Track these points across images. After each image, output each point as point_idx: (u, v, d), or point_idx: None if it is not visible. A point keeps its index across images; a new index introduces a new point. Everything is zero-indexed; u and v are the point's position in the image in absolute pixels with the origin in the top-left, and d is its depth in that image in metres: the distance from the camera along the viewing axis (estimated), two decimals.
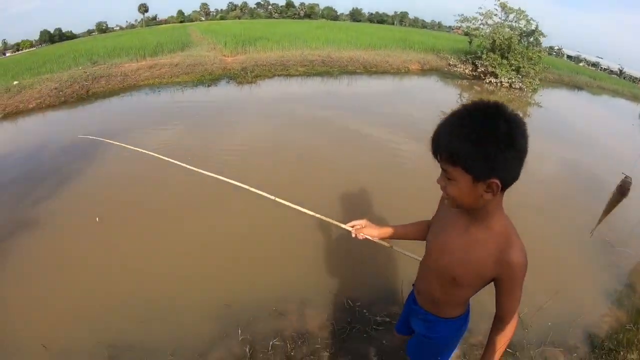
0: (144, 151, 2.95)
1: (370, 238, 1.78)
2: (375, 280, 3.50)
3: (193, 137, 6.75)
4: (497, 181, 1.09)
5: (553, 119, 12.83)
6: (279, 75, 11.88)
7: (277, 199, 2.03)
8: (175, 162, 2.60)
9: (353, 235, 1.79)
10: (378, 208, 4.67)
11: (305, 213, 1.97)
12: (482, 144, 1.04)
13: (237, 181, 2.19)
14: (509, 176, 1.11)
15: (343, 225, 1.81)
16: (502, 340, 1.40)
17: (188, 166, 2.54)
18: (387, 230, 1.77)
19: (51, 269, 3.56)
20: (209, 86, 10.33)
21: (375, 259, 3.76)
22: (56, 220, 4.31)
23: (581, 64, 49.17)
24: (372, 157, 6.40)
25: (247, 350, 2.77)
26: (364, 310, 3.17)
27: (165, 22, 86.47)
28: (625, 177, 5.30)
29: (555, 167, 7.93)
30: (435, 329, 1.66)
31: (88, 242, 3.94)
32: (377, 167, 5.97)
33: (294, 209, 1.98)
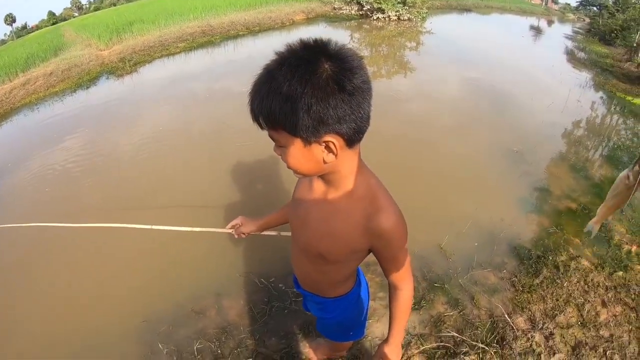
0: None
1: (253, 233, 1.75)
2: (283, 253, 3.34)
3: (94, 141, 6.10)
4: (333, 139, 0.89)
5: (446, 43, 13.22)
6: (159, 58, 11.06)
7: (153, 227, 2.00)
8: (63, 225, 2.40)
9: (236, 236, 1.76)
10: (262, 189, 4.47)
11: (188, 231, 2.03)
12: (299, 96, 0.81)
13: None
14: (349, 127, 0.89)
15: (223, 230, 1.77)
16: (402, 309, 1.29)
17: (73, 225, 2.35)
18: (265, 221, 1.71)
19: None
20: (87, 88, 9.37)
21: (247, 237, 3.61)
22: None
23: None
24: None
25: None
26: (280, 285, 3.08)
27: (37, 27, 77.87)
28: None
29: (458, 87, 8.18)
30: (327, 309, 1.55)
31: None
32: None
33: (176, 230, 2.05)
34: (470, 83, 8.51)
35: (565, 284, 3.22)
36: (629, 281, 3.48)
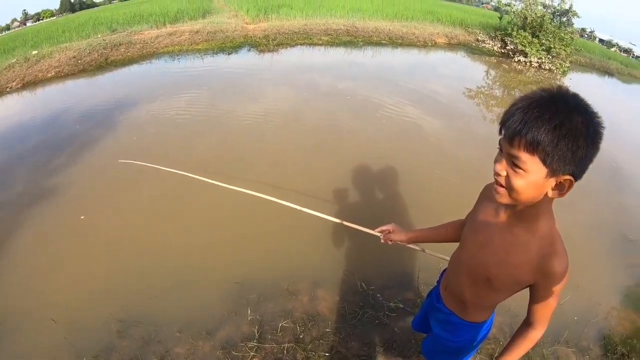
0: (173, 171, 2.80)
1: (399, 243, 1.76)
2: (391, 265, 3.37)
3: (215, 102, 6.65)
4: (572, 178, 0.99)
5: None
6: (301, 44, 11.61)
7: (303, 209, 2.03)
8: (195, 176, 2.57)
9: (382, 241, 1.77)
10: (404, 200, 4.41)
11: (331, 220, 1.98)
12: (572, 137, 0.93)
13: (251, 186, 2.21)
14: (581, 175, 1.01)
15: (371, 231, 1.80)
16: (525, 346, 1.34)
17: (206, 179, 2.50)
18: (416, 235, 1.73)
19: (64, 240, 3.55)
20: (229, 54, 10.16)
21: (393, 245, 3.64)
22: (72, 191, 4.28)
23: (613, 49, 47.28)
24: (397, 138, 6.13)
25: (256, 330, 2.72)
26: (378, 295, 3.07)
27: None
28: None
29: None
30: (458, 332, 1.57)
31: (102, 214, 3.90)
32: (403, 152, 5.68)
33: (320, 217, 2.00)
34: (599, 155, 7.79)
35: None
36: None
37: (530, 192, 1.04)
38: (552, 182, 1.01)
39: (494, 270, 1.26)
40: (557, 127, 0.93)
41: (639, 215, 5.73)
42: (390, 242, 1.77)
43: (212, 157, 4.86)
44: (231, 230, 3.66)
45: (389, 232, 1.76)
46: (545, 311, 1.26)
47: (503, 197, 1.10)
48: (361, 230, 1.88)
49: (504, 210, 1.23)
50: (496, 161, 1.08)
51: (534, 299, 1.25)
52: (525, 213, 1.14)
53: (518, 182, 1.03)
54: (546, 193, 1.04)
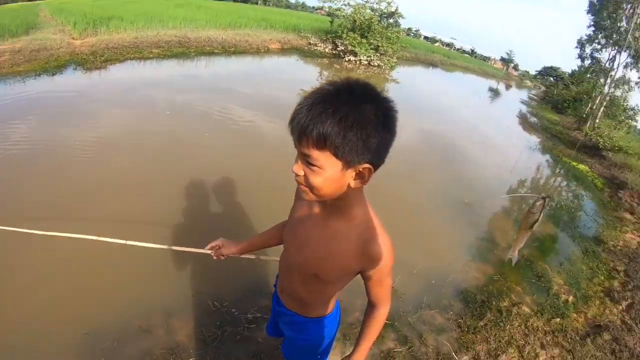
0: None
1: (232, 256, 1.74)
2: (240, 276, 3.32)
3: (41, 133, 5.63)
4: (370, 166, 1.01)
5: (409, 93, 13.80)
6: (131, 59, 10.87)
7: (128, 242, 1.88)
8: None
9: (215, 258, 1.73)
10: (246, 207, 4.35)
11: (162, 248, 1.93)
12: (359, 127, 0.94)
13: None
14: (380, 161, 1.04)
15: (201, 250, 1.75)
16: (376, 327, 1.40)
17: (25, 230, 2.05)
18: (247, 244, 1.72)
19: None
20: (54, 75, 9.00)
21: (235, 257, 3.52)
22: None
23: (437, 44, 54.70)
24: (235, 144, 6.17)
25: None
26: (233, 310, 3.00)
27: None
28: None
29: (415, 137, 8.54)
30: (305, 330, 1.59)
31: None
32: (240, 156, 5.75)
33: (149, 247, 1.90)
34: (427, 135, 8.96)
35: (507, 327, 3.42)
36: (565, 327, 3.79)
37: (331, 187, 1.04)
38: (352, 172, 1.02)
39: (320, 266, 1.26)
40: (342, 119, 0.92)
41: (471, 181, 6.61)
42: (222, 257, 1.73)
43: (45, 199, 4.09)
44: (69, 280, 3.17)
45: (219, 248, 1.72)
46: (382, 291, 1.31)
47: (308, 195, 1.09)
48: (187, 252, 1.83)
49: (316, 206, 1.25)
50: (295, 162, 1.06)
51: (369, 283, 1.28)
52: (336, 205, 1.15)
53: (316, 179, 1.02)
54: (349, 184, 1.04)
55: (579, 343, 3.66)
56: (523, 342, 3.32)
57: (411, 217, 5.01)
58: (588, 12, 20.03)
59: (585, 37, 20.93)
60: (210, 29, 15.58)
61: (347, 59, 15.44)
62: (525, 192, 7.47)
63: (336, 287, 1.39)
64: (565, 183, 9.95)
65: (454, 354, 3.01)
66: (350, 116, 0.92)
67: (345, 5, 16.41)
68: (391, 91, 13.13)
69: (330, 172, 1.00)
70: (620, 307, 4.68)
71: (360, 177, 1.03)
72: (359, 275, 1.30)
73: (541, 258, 5.05)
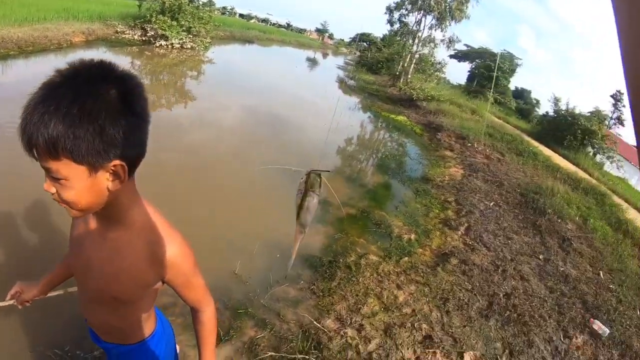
0: None
1: (38, 299, 1.48)
2: (71, 315, 2.75)
3: None
4: (122, 162, 0.83)
5: (228, 72, 13.62)
6: None
7: None
8: None
9: (20, 307, 1.45)
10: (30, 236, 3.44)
11: None
12: (89, 119, 0.76)
13: None
14: (134, 151, 0.86)
15: (3, 304, 1.44)
16: (209, 332, 1.26)
17: None
18: (47, 281, 1.47)
19: None
20: None
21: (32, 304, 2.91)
22: None
23: (252, 21, 55.28)
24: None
25: None
26: (78, 352, 2.53)
27: None
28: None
29: (239, 113, 8.39)
30: (135, 358, 1.36)
31: None
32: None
33: None
34: (250, 109, 8.85)
35: (360, 280, 3.51)
36: (415, 263, 4.09)
37: (88, 197, 0.86)
38: (104, 174, 0.84)
39: (113, 287, 1.06)
40: (67, 115, 0.74)
41: (297, 149, 6.65)
42: (27, 304, 1.46)
43: None
44: None
45: (20, 294, 1.44)
46: (195, 293, 1.16)
47: (71, 213, 0.89)
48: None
49: (92, 221, 1.05)
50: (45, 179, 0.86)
51: (177, 290, 1.13)
52: (108, 215, 0.97)
53: (67, 194, 0.83)
54: (107, 188, 0.86)
55: (431, 274, 3.99)
56: (379, 289, 3.45)
57: (243, 193, 4.81)
58: None
59: (394, 4, 23.42)
60: (4, 27, 13.17)
61: (158, 44, 14.45)
62: (354, 148, 7.89)
63: (146, 304, 1.20)
64: (387, 134, 10.86)
65: (315, 322, 2.97)
66: (75, 108, 0.74)
67: None
68: (208, 72, 12.69)
69: (78, 182, 0.82)
70: (460, 232, 5.26)
71: (116, 176, 0.85)
72: None
73: (377, 207, 5.38)
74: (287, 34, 46.37)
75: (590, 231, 6.84)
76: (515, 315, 3.81)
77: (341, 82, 18.94)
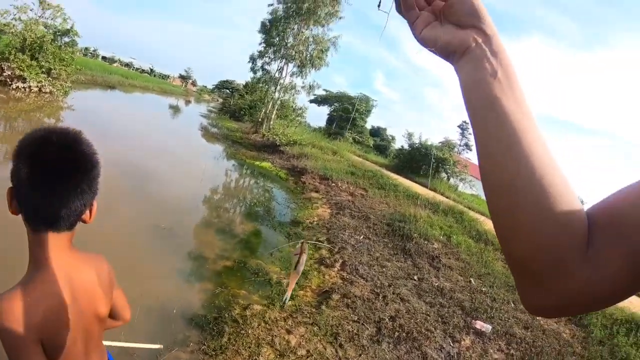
0: None
1: None
2: None
3: None
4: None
5: (88, 120, 12.65)
6: None
7: None
8: None
9: None
10: None
11: None
12: None
13: None
14: (28, 209, 0.90)
15: None
16: None
17: None
18: None
19: None
20: None
21: None
22: None
23: (115, 64, 52.37)
24: None
25: None
26: None
27: None
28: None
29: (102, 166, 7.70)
30: None
31: None
32: None
33: None
34: (111, 161, 8.18)
35: (250, 331, 3.30)
36: (299, 306, 3.99)
37: None
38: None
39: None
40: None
41: (164, 203, 6.30)
42: None
43: None
44: None
45: None
46: (123, 301, 1.21)
47: None
48: None
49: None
50: None
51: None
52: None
53: None
54: None
55: (317, 313, 3.93)
56: (270, 337, 3.28)
57: (113, 257, 4.34)
58: (260, 32, 23.44)
59: (257, 53, 24.01)
60: None
61: (14, 86, 12.77)
62: (221, 197, 7.73)
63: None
64: (254, 181, 10.89)
65: None
66: None
67: (15, 20, 13.46)
68: (67, 120, 11.50)
69: None
70: (336, 268, 5.34)
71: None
72: None
73: (251, 255, 5.22)
74: (150, 80, 44.74)
75: (455, 246, 7.55)
76: (404, 334, 3.95)
77: (205, 130, 18.67)
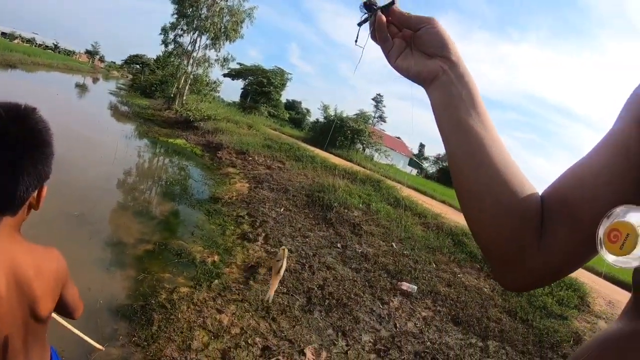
0: None
1: None
2: None
3: None
4: None
5: None
6: None
7: None
8: None
9: None
10: None
11: None
12: None
13: None
14: None
15: None
16: None
17: None
18: None
19: None
20: None
21: None
22: None
23: (16, 41, 47.49)
24: None
25: None
26: None
27: None
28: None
29: None
30: None
31: None
32: None
33: None
34: None
35: (180, 316, 3.19)
36: (226, 283, 3.95)
37: None
38: None
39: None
40: None
41: (76, 189, 5.83)
42: None
43: None
44: None
45: None
46: (74, 299, 1.16)
47: None
48: None
49: None
50: None
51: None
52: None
53: None
54: None
55: (246, 289, 3.92)
56: (202, 319, 3.20)
57: None
58: (172, 2, 21.88)
59: (169, 25, 22.51)
60: None
61: None
62: (136, 179, 7.35)
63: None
64: (168, 160, 10.43)
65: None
66: None
67: None
68: None
69: None
70: (259, 242, 5.31)
71: None
72: None
73: (172, 237, 5.01)
74: (55, 57, 40.50)
75: (374, 213, 7.85)
76: (334, 301, 4.10)
77: (114, 109, 17.42)
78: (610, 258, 0.40)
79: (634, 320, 0.44)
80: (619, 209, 0.41)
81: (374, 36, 0.60)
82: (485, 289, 5.65)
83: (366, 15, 0.59)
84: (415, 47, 0.58)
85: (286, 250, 2.11)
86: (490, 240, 0.55)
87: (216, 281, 3.94)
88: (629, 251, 0.38)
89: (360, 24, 0.61)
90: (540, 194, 0.56)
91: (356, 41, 0.61)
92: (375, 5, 0.58)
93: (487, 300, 5.26)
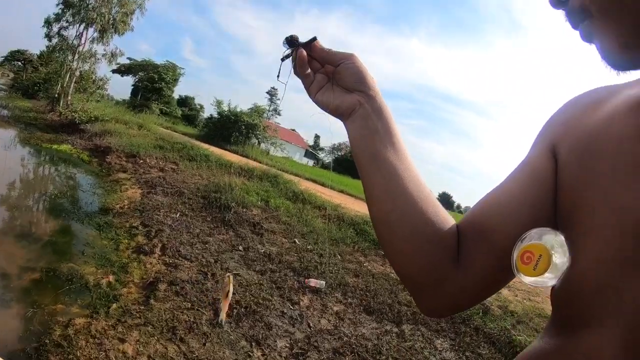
0: None
1: None
2: None
3: None
4: None
5: None
6: None
7: None
8: None
9: None
10: None
11: None
12: None
13: None
14: None
15: None
16: None
17: None
18: None
19: None
20: None
21: None
22: None
23: None
24: None
25: None
26: None
27: None
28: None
29: None
30: None
31: None
32: None
33: None
34: None
35: (79, 353, 3.00)
36: (126, 306, 3.78)
37: None
38: None
39: None
40: None
41: None
42: None
43: None
44: None
45: None
46: None
47: None
48: None
49: None
50: None
51: None
52: None
53: None
54: None
55: (147, 310, 3.77)
56: (104, 353, 3.06)
57: None
58: None
59: (53, 16, 20.09)
60: None
61: None
62: (20, 193, 6.63)
63: None
64: (53, 169, 9.57)
65: None
66: None
67: None
68: None
69: None
70: (156, 255, 5.12)
71: None
72: None
73: (61, 259, 4.63)
74: None
75: (274, 210, 7.97)
76: (242, 309, 4.14)
77: None
78: (526, 279, 0.42)
79: (554, 337, 0.45)
80: (533, 232, 0.44)
81: (296, 71, 0.62)
82: (392, 275, 5.94)
83: (289, 50, 0.62)
84: (335, 83, 0.61)
85: (231, 277, 2.20)
86: (409, 269, 0.57)
87: (114, 305, 3.78)
88: (542, 272, 0.41)
89: (283, 59, 0.63)
90: (455, 223, 0.58)
91: (278, 76, 0.63)
92: (297, 41, 0.61)
93: (395, 285, 5.60)
